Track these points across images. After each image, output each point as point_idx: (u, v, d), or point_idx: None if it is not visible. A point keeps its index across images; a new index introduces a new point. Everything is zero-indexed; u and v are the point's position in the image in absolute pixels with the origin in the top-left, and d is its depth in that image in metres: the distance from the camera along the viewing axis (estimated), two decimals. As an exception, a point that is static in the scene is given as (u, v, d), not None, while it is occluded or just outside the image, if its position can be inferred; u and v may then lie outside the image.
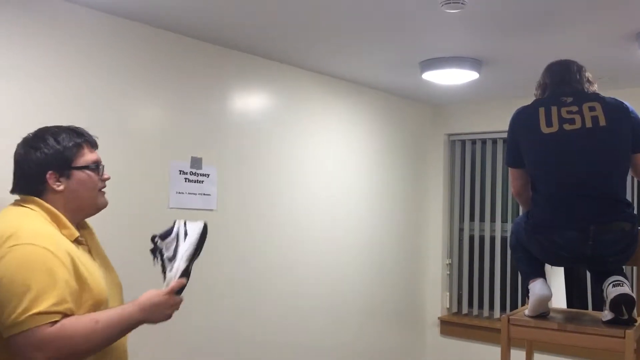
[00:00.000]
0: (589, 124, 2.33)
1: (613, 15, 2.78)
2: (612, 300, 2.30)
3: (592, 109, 2.36)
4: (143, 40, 3.04)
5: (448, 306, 5.08)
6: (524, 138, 2.45)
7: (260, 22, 3.01)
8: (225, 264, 3.42)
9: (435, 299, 5.08)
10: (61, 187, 1.72)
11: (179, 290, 1.73)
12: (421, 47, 3.38)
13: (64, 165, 1.73)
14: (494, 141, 4.92)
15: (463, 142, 5.13)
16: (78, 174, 1.75)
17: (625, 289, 2.30)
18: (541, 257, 2.53)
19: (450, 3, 2.62)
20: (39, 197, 1.72)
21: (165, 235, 1.77)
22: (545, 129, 2.35)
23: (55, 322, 1.50)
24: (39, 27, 2.64)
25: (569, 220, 2.30)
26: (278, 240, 3.75)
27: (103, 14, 2.86)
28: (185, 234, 1.78)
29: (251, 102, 3.63)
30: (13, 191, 1.77)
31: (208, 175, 3.32)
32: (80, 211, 1.77)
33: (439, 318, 5.04)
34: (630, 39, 3.07)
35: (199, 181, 3.27)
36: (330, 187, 4.14)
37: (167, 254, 1.76)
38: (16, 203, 1.74)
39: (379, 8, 2.76)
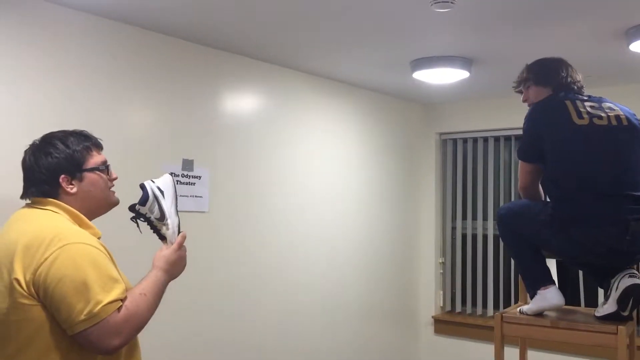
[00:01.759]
0: (614, 122, 2.36)
1: (602, 12, 2.80)
2: (624, 290, 2.30)
3: (611, 109, 2.40)
4: (134, 43, 3.03)
5: (442, 305, 5.09)
6: (552, 130, 2.39)
7: (250, 23, 3.01)
8: (218, 266, 3.41)
9: (429, 298, 5.09)
10: (74, 190, 1.77)
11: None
12: (411, 46, 3.39)
13: (76, 168, 1.79)
14: (486, 139, 4.93)
15: (455, 140, 5.14)
16: (89, 176, 1.81)
17: None
18: (563, 252, 2.48)
19: (439, 2, 2.62)
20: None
21: (144, 200, 1.82)
22: (577, 121, 2.34)
23: (121, 305, 1.61)
24: (31, 30, 2.63)
25: (610, 216, 2.28)
26: (271, 241, 3.74)
27: (95, 17, 2.85)
28: (160, 191, 1.86)
29: (242, 103, 3.63)
30: (23, 197, 1.81)
31: (200, 177, 3.31)
32: (94, 211, 1.84)
33: (432, 317, 5.05)
34: (619, 37, 3.08)
35: (191, 183, 3.27)
36: (323, 187, 4.14)
37: (154, 215, 1.83)
38: (33, 206, 1.77)
39: (369, 8, 2.76)
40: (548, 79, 2.53)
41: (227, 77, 3.51)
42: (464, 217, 5.04)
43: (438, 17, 2.83)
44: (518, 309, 2.60)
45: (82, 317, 1.54)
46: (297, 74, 3.95)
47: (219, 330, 3.40)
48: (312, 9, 2.79)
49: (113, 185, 1.90)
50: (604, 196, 2.30)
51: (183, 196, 3.21)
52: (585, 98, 2.45)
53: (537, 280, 2.50)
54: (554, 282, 2.50)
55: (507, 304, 4.71)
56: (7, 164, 2.33)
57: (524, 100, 2.63)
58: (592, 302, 4.20)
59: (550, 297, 2.45)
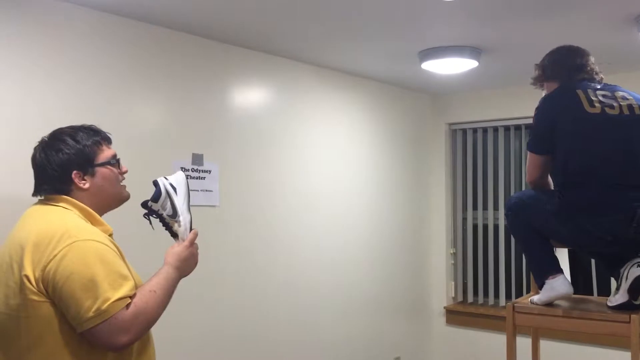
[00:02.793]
0: (626, 111, 2.34)
1: (611, -1, 2.78)
2: (634, 279, 2.29)
3: (624, 98, 2.38)
4: (142, 38, 3.04)
5: (453, 295, 5.09)
6: (564, 119, 2.38)
7: (258, 16, 3.01)
8: (228, 259, 3.42)
9: (441, 289, 5.09)
10: (87, 185, 1.78)
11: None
12: (420, 36, 3.37)
13: (87, 163, 1.79)
14: (495, 129, 4.91)
15: (464, 131, 5.12)
16: (101, 170, 1.81)
17: None
18: (571, 241, 2.48)
19: (447, -8, 2.61)
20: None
21: (157, 197, 1.83)
22: (589, 109, 2.34)
23: (130, 303, 1.60)
24: (37, 27, 2.64)
25: (616, 204, 2.28)
26: (281, 234, 3.75)
27: (102, 13, 2.86)
28: (172, 187, 1.87)
29: (251, 97, 3.63)
30: (35, 194, 1.81)
31: (210, 171, 3.32)
32: (106, 206, 1.84)
33: (444, 307, 5.05)
34: (630, 23, 3.05)
35: (201, 178, 3.28)
36: (332, 179, 4.14)
37: (166, 212, 1.84)
38: (44, 202, 1.78)
39: (376, -1, 2.75)
40: (555, 73, 2.52)
41: (236, 71, 3.51)
42: (475, 208, 5.03)
43: (446, 7, 2.82)
44: (529, 299, 2.59)
45: (91, 314, 1.55)
46: (305, 67, 3.94)
47: (229, 323, 3.42)
48: (320, 1, 2.78)
49: (124, 179, 1.90)
50: (612, 185, 2.29)
51: (193, 190, 3.19)
52: (598, 87, 2.43)
53: (544, 270, 2.50)
54: (561, 271, 2.49)
55: (519, 294, 4.70)
56: (20, 162, 2.34)
57: None
58: (604, 291, 4.18)
59: (558, 286, 2.45)
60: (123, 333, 1.57)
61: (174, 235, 1.86)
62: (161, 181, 1.87)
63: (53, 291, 1.58)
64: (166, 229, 1.87)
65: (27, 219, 1.75)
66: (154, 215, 1.85)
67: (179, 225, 1.85)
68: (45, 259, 1.58)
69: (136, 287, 1.68)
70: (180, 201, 1.87)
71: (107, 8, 2.84)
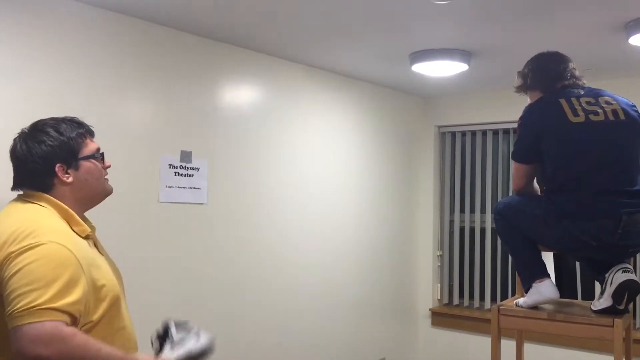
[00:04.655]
0: (610, 117, 2.35)
1: (601, 6, 2.79)
2: (619, 285, 2.31)
3: (608, 103, 2.39)
4: (132, 33, 3.02)
5: (439, 297, 5.10)
6: (549, 129, 2.39)
7: (249, 15, 3.00)
8: (215, 258, 3.41)
9: (427, 291, 5.10)
10: (70, 179, 1.72)
11: None
12: (411, 39, 3.38)
13: (71, 156, 1.72)
14: (484, 132, 4.93)
15: (453, 133, 5.14)
16: (85, 164, 1.75)
17: (634, 276, 2.33)
18: (558, 245, 2.50)
19: (439, -6, 2.62)
20: (47, 192, 1.70)
21: (182, 327, 1.75)
22: (573, 119, 2.35)
23: (68, 324, 1.49)
24: (30, 22, 2.62)
25: (604, 210, 2.30)
26: (268, 233, 3.74)
27: (93, 8, 2.84)
28: (198, 337, 1.76)
29: (241, 95, 3.62)
30: (15, 188, 1.74)
31: (198, 168, 3.31)
32: (89, 201, 1.79)
33: (430, 309, 5.07)
34: (619, 30, 3.08)
35: (189, 175, 3.26)
36: (321, 180, 4.14)
37: (175, 339, 1.73)
38: (23, 199, 1.71)
39: (368, 0, 2.75)
40: (536, 82, 2.54)
41: (226, 68, 3.50)
42: (462, 210, 5.05)
43: (437, 10, 2.83)
44: (514, 301, 2.61)
45: (24, 310, 1.46)
46: (295, 66, 3.94)
47: (213, 322, 3.40)
48: (312, 1, 2.78)
49: (107, 173, 1.85)
50: (600, 192, 2.31)
51: (181, 188, 3.21)
52: (582, 93, 2.43)
53: (532, 273, 2.52)
54: (548, 276, 2.51)
55: (504, 296, 4.72)
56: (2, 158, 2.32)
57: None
58: (589, 295, 4.21)
59: (544, 290, 2.46)
60: (45, 344, 1.44)
61: (157, 351, 1.75)
62: (195, 327, 1.77)
63: (5, 286, 1.51)
64: (155, 350, 1.76)
65: (2, 217, 1.68)
66: (162, 338, 1.75)
67: (171, 348, 1.72)
68: (4, 255, 1.53)
69: (115, 294, 1.60)
70: (192, 344, 1.73)
71: (97, 3, 2.82)
